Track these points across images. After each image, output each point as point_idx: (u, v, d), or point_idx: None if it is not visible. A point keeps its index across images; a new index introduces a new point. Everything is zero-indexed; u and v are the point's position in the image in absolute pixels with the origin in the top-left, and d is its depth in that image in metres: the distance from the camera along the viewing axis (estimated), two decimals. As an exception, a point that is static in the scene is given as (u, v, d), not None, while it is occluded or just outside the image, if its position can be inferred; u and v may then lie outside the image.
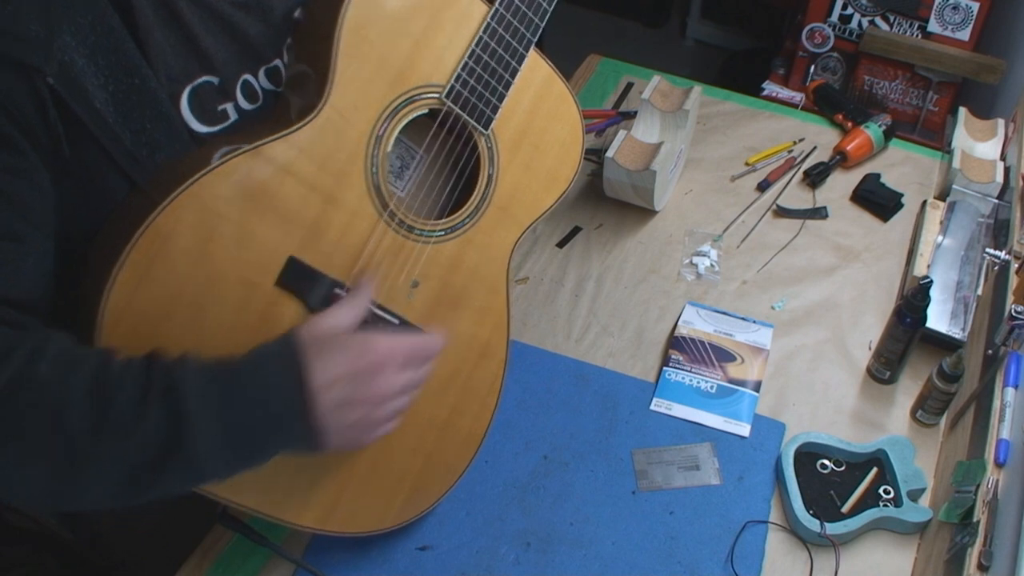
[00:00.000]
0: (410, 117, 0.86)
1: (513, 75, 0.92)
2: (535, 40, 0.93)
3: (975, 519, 0.85)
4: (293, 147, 0.79)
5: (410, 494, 0.95)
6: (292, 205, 0.79)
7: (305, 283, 0.80)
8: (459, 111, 0.89)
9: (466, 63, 0.88)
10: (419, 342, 0.81)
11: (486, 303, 0.97)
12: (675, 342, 1.20)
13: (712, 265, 1.32)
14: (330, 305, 0.80)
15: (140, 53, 0.74)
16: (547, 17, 0.93)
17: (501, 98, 0.92)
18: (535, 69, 0.97)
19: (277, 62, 0.88)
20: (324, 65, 0.80)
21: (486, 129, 0.93)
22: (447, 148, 0.94)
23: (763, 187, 1.44)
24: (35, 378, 0.66)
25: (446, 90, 0.88)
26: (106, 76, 0.72)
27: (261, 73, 0.87)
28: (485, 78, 0.90)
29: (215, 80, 0.82)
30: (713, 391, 1.15)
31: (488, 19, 0.89)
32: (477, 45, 0.89)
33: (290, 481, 0.85)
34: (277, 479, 0.84)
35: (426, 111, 0.88)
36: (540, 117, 0.98)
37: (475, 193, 0.94)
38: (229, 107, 0.84)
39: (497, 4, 0.89)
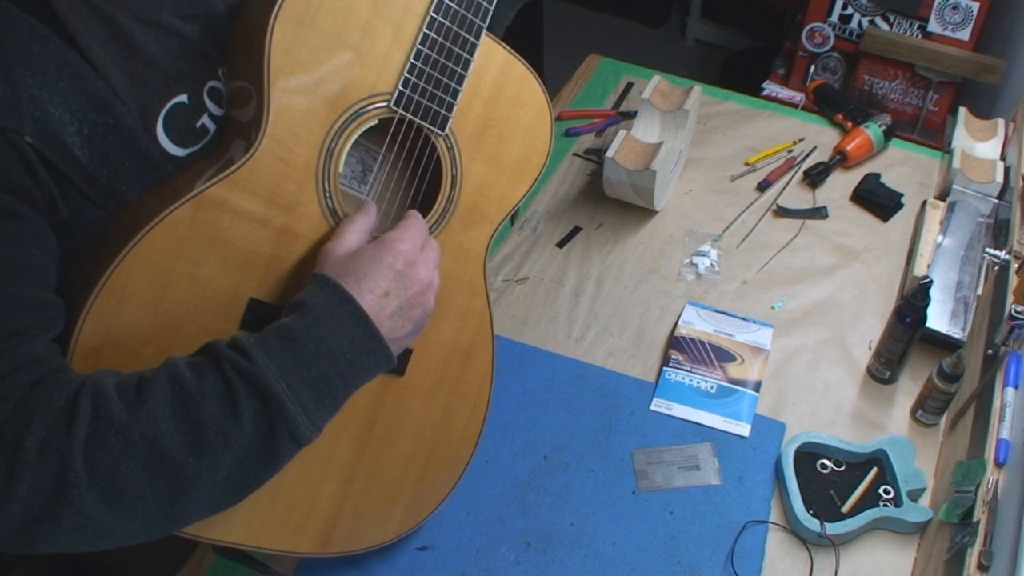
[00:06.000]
0: (359, 132, 0.82)
1: (466, 68, 0.86)
2: (485, 26, 0.86)
3: (975, 519, 0.85)
4: (236, 187, 0.75)
5: (410, 503, 0.94)
6: (245, 246, 0.76)
7: (271, 322, 0.75)
8: (411, 116, 0.84)
9: (413, 64, 0.82)
10: (412, 223, 0.83)
11: (466, 306, 0.95)
12: (675, 342, 1.20)
13: (712, 265, 1.32)
14: None
15: (109, 90, 0.71)
16: (495, 1, 0.85)
17: (455, 95, 0.86)
18: (490, 56, 0.89)
19: None
20: (259, 91, 0.75)
21: (442, 130, 0.87)
22: (407, 153, 0.90)
23: (763, 187, 1.44)
24: (113, 422, 0.64)
25: (394, 97, 0.82)
26: (80, 121, 0.70)
27: (220, 75, 0.83)
28: (435, 76, 0.84)
29: (185, 99, 0.78)
30: (713, 391, 1.15)
31: (430, 12, 0.82)
32: (423, 43, 0.82)
33: (284, 511, 0.84)
34: (271, 512, 0.82)
35: (376, 123, 0.83)
36: (501, 105, 0.92)
37: (440, 197, 0.90)
38: (205, 120, 0.80)
39: None
